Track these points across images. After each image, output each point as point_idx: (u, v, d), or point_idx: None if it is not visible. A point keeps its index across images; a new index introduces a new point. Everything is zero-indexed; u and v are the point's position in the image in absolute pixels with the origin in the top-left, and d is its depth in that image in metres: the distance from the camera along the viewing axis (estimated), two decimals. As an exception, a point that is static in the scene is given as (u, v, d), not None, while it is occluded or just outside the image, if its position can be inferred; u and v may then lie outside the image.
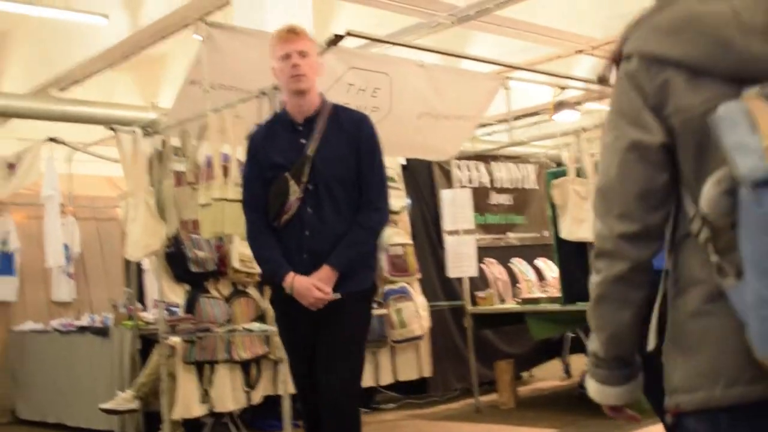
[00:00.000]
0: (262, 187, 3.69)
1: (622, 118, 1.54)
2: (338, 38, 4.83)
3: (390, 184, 6.98)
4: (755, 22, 1.42)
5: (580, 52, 11.30)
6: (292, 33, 3.62)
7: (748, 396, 1.42)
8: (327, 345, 3.70)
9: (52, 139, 7.80)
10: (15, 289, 9.13)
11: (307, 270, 3.57)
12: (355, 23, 10.41)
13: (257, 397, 6.32)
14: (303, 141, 3.63)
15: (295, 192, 3.58)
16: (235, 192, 4.89)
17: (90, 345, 7.28)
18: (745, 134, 1.31)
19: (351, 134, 3.69)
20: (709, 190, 1.37)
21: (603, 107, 11.29)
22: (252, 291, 6.50)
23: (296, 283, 3.55)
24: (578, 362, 7.81)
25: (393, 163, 7.25)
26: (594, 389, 1.69)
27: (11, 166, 7.77)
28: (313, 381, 3.75)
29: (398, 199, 7.10)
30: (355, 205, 3.69)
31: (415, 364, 7.51)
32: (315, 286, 3.52)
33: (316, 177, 3.59)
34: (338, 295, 3.58)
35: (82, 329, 7.55)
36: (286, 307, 3.72)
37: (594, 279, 1.59)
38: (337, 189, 3.64)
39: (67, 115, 9.10)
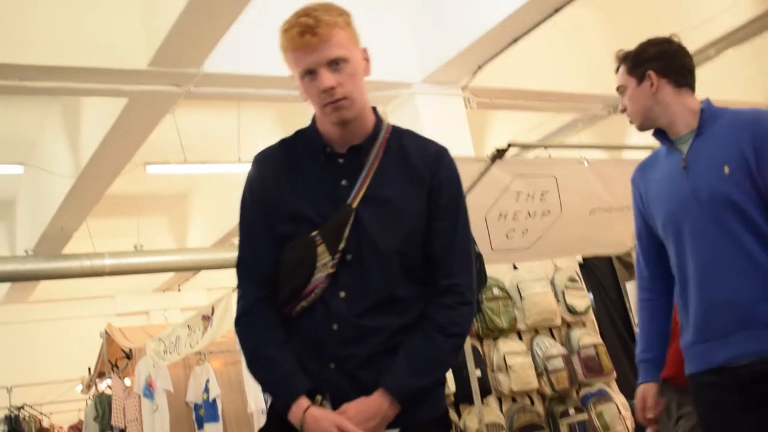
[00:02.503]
0: (273, 247, 2.26)
1: None
2: (502, 152, 4.89)
3: (572, 284, 6.95)
4: None
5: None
6: (309, 34, 2.14)
7: None
8: None
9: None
10: (221, 435, 9.39)
11: (337, 390, 2.15)
12: (512, 128, 10.59)
13: None
14: (344, 183, 2.24)
15: (325, 265, 2.17)
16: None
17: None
18: None
19: (422, 175, 2.27)
20: None
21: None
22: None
23: (309, 419, 2.08)
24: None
25: (572, 263, 7.21)
26: None
27: (206, 318, 8.09)
28: None
29: (582, 299, 7.00)
30: (417, 287, 2.25)
31: (625, 466, 7.26)
32: (340, 430, 2.05)
33: (361, 240, 2.19)
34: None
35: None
36: None
37: None
38: (390, 261, 2.20)
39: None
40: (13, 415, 12.58)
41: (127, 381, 9.82)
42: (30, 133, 10.59)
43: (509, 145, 4.92)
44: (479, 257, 5.13)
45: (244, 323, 2.30)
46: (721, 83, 10.07)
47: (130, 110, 7.84)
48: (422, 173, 2.28)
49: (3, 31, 6.78)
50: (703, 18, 8.63)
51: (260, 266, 2.29)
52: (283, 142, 2.41)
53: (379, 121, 2.35)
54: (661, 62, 2.85)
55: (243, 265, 2.34)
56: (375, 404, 2.10)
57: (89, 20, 6.99)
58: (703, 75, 9.03)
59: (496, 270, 6.24)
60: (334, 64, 2.15)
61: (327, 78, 2.14)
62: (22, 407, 12.77)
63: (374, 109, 2.37)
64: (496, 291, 6.41)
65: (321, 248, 2.17)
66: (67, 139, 10.02)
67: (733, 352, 2.58)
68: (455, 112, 8.50)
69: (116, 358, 10.40)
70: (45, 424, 13.01)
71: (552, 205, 5.83)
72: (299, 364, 2.18)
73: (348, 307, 2.17)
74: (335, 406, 2.12)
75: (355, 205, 2.20)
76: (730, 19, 8.51)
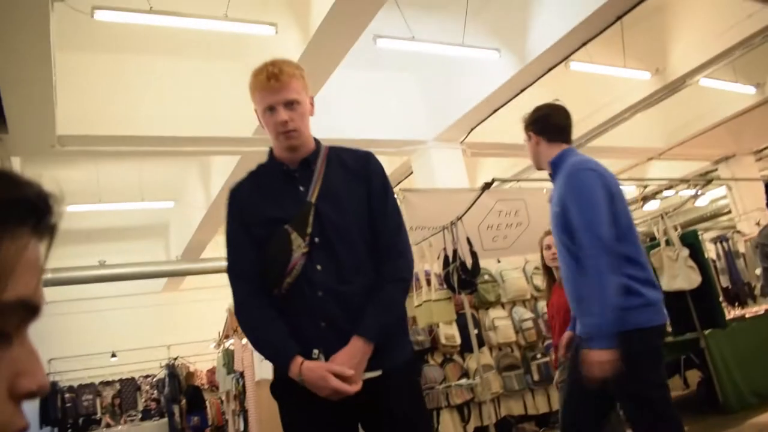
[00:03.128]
0: (252, 250, 2.04)
1: None
2: (488, 185, 4.87)
3: (537, 271, 6.88)
4: None
5: (651, 159, 10.93)
6: (273, 79, 2.01)
7: None
8: None
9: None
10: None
11: (329, 345, 1.90)
12: (495, 168, 10.56)
13: (470, 429, 6.18)
14: (302, 188, 2.06)
15: (299, 246, 1.97)
16: (438, 294, 4.93)
17: None
18: None
19: (357, 172, 2.13)
20: None
21: (672, 194, 10.79)
22: (456, 357, 6.45)
23: (305, 371, 1.86)
24: (692, 376, 7.24)
25: (537, 257, 7.13)
26: None
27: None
28: None
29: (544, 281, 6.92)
30: (372, 253, 2.04)
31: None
32: (331, 372, 1.83)
33: (324, 225, 2.01)
34: (376, 373, 1.92)
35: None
36: (305, 400, 1.89)
37: None
38: (349, 237, 2.03)
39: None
40: (170, 363, 12.69)
41: (244, 340, 9.88)
42: (177, 179, 10.72)
43: (493, 180, 4.91)
44: (474, 255, 5.13)
45: (241, 313, 2.02)
46: (635, 134, 9.99)
47: (242, 164, 7.90)
48: (357, 170, 2.10)
49: (160, 113, 6.88)
50: (621, 92, 8.57)
51: (245, 267, 2.02)
52: (250, 173, 2.17)
53: (318, 144, 2.14)
54: (538, 124, 2.75)
55: (231, 270, 2.05)
56: (354, 347, 1.87)
57: (214, 101, 7.06)
58: (623, 128, 8.97)
59: (486, 263, 6.21)
60: (290, 104, 1.99)
61: (283, 114, 1.98)
62: (176, 358, 12.87)
63: (315, 139, 2.15)
64: (486, 277, 6.38)
65: (294, 236, 1.96)
66: (202, 182, 10.13)
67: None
68: (456, 160, 8.49)
69: (235, 326, 10.48)
70: (191, 369, 13.10)
71: (523, 218, 5.81)
72: (297, 329, 1.93)
73: (326, 277, 1.95)
74: (327, 358, 1.89)
75: (313, 200, 2.01)
76: (638, 92, 8.45)
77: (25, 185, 0.53)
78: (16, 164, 6.78)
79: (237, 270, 2.05)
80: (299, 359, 1.88)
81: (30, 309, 0.52)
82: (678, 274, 5.97)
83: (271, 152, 2.14)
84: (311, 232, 1.98)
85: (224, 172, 8.76)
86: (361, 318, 1.92)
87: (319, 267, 1.96)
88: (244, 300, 2.02)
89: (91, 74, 6.61)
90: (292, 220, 2.00)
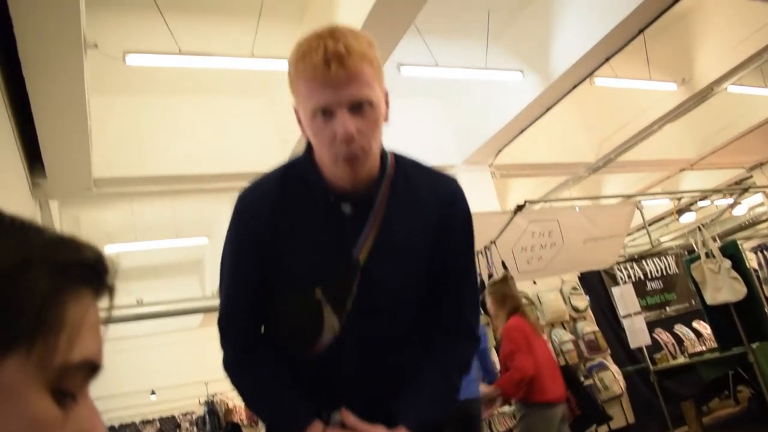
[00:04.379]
0: (261, 302, 1.37)
1: None
2: (521, 207, 4.85)
3: (575, 291, 6.81)
4: None
5: (683, 170, 10.78)
6: (336, 64, 1.16)
7: None
8: None
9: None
10: None
11: (352, 403, 1.34)
12: (525, 189, 10.50)
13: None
14: (349, 232, 1.33)
15: (332, 327, 1.33)
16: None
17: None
18: None
19: (433, 212, 1.37)
20: None
21: (707, 204, 10.62)
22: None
23: None
24: (742, 392, 7.06)
25: (574, 277, 7.07)
26: None
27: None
28: None
29: (582, 301, 6.86)
30: (426, 326, 1.41)
31: (621, 415, 7.01)
32: None
33: (370, 294, 1.33)
34: None
35: None
36: None
37: None
38: (403, 307, 1.38)
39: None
40: (209, 400, 12.72)
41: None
42: (210, 215, 10.84)
43: (525, 202, 4.88)
44: (511, 278, 5.09)
45: (236, 371, 1.40)
46: (666, 145, 9.87)
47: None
48: (434, 212, 1.37)
49: (191, 150, 6.99)
50: (648, 104, 8.49)
51: (248, 322, 1.40)
52: (278, 181, 1.39)
53: (383, 159, 1.36)
54: None
55: (227, 321, 1.41)
56: None
57: (243, 136, 7.17)
58: (653, 140, 8.87)
59: (522, 286, 6.15)
60: (358, 106, 1.21)
61: (347, 123, 1.19)
62: (215, 395, 12.89)
63: (382, 149, 1.38)
64: (523, 300, 6.31)
65: (327, 311, 1.32)
66: (234, 217, 10.23)
67: None
68: (485, 182, 8.47)
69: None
70: (230, 405, 13.11)
71: (556, 239, 5.76)
72: (309, 384, 1.37)
73: (359, 351, 1.35)
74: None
75: (362, 257, 1.31)
76: (665, 104, 8.37)
77: (85, 248, 0.55)
78: (54, 207, 6.94)
79: (235, 323, 1.41)
80: (318, 426, 1.29)
81: (93, 368, 0.54)
82: (722, 287, 5.87)
83: (311, 156, 1.36)
84: (351, 306, 1.33)
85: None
86: (410, 404, 1.34)
87: (355, 338, 1.35)
88: (240, 357, 1.40)
89: (124, 116, 6.78)
90: (328, 284, 1.33)
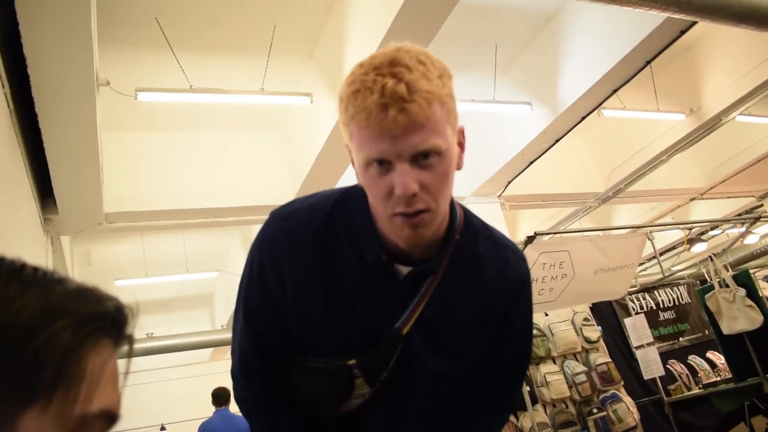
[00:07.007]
0: (282, 352, 1.18)
1: None
2: (531, 238, 4.83)
3: (586, 322, 6.74)
4: None
5: (693, 199, 10.72)
6: (397, 110, 0.89)
7: None
8: None
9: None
10: None
11: None
12: (534, 220, 10.47)
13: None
14: (398, 300, 1.11)
15: (362, 393, 1.15)
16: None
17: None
18: None
19: (496, 296, 1.18)
20: None
21: (719, 233, 10.54)
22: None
23: None
24: (759, 423, 6.92)
25: (585, 308, 7.01)
26: None
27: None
28: None
29: (594, 332, 6.77)
30: (466, 404, 1.26)
31: (636, 448, 6.89)
32: None
33: (407, 366, 1.14)
34: None
35: None
36: None
37: None
38: (439, 386, 1.19)
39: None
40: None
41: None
42: (221, 249, 10.87)
43: (535, 233, 4.86)
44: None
45: (251, 410, 1.24)
46: (675, 175, 9.84)
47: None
48: (497, 295, 1.19)
49: (202, 185, 7.03)
50: (657, 135, 8.49)
51: (267, 374, 1.22)
52: (314, 225, 1.13)
53: (452, 218, 1.15)
54: None
55: (243, 371, 1.24)
56: None
57: (254, 170, 7.19)
58: (662, 170, 8.83)
59: (533, 318, 6.09)
60: (422, 157, 0.96)
61: (408, 179, 0.95)
62: None
63: (452, 204, 1.17)
64: (535, 331, 6.25)
65: (359, 381, 1.14)
66: (244, 251, 10.22)
67: None
68: (495, 214, 8.45)
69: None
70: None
71: (567, 270, 5.71)
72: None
73: (386, 423, 1.19)
74: None
75: (405, 330, 1.12)
76: (674, 134, 8.36)
77: (106, 299, 0.56)
78: (66, 243, 6.97)
79: (252, 374, 1.23)
80: None
81: (111, 419, 0.55)
82: (737, 316, 5.82)
83: (367, 206, 1.11)
84: (385, 376, 1.15)
85: (265, 239, 8.83)
86: None
87: (380, 410, 1.19)
88: (257, 401, 1.24)
89: (135, 152, 6.83)
90: (365, 356, 1.13)
